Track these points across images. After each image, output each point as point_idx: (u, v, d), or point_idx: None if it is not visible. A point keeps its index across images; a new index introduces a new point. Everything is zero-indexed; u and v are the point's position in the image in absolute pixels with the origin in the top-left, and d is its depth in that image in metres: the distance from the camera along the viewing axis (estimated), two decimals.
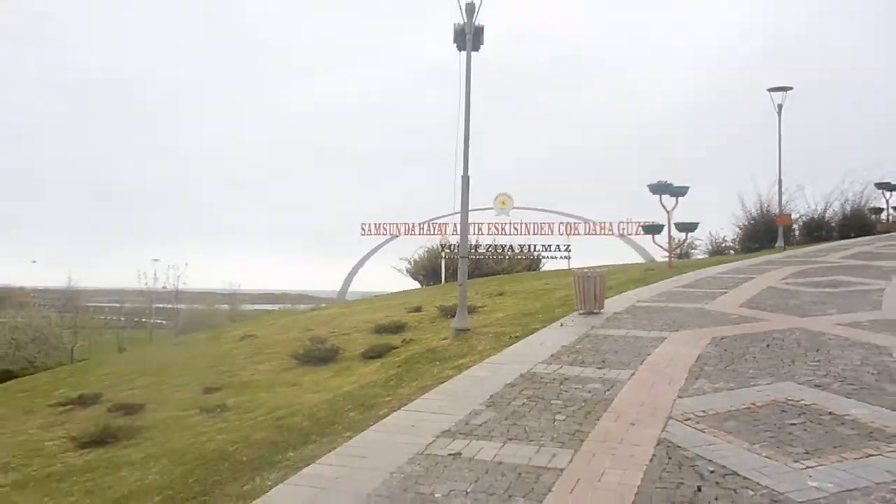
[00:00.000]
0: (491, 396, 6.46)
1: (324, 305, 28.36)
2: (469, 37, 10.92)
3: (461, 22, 10.98)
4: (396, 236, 37.46)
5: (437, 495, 4.13)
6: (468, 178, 11.45)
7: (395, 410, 6.32)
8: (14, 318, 35.22)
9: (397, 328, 12.95)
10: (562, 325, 10.88)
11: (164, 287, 53.41)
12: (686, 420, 5.47)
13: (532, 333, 10.24)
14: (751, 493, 4.01)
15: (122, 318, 66.04)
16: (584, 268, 13.15)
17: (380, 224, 36.89)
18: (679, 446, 4.86)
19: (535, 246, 33.89)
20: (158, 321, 62.26)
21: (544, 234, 34.34)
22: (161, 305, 62.21)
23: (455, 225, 33.73)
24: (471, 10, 10.87)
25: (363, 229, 36.73)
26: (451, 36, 11.16)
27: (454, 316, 11.58)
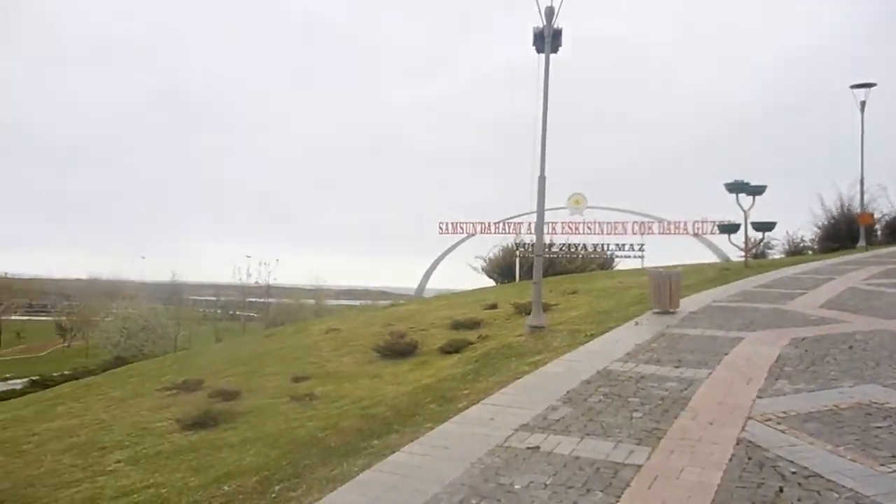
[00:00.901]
0: (567, 392, 6.57)
1: (402, 302, 28.97)
2: (548, 40, 11.03)
3: (540, 25, 11.10)
4: (472, 235, 37.78)
5: (516, 487, 4.31)
6: (545, 178, 11.56)
7: (473, 404, 6.54)
8: (125, 310, 37.94)
9: (473, 324, 13.18)
10: (636, 323, 10.82)
11: (256, 282, 55.82)
12: (766, 420, 5.42)
13: (607, 332, 10.25)
14: (835, 495, 3.98)
15: (219, 311, 69.63)
16: (658, 267, 13.00)
17: (456, 223, 37.32)
18: (759, 446, 4.84)
19: (608, 245, 33.49)
20: (250, 314, 65.30)
21: (617, 233, 33.87)
22: (253, 299, 65.04)
23: (529, 224, 33.79)
24: (550, 13, 11.00)
25: (441, 228, 37.25)
26: (530, 39, 11.29)
27: (529, 313, 11.70)
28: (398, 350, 11.20)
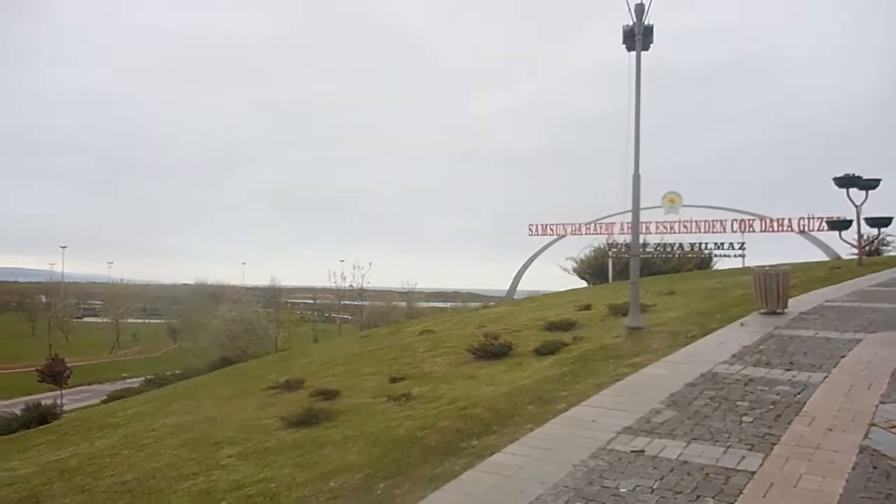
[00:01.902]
0: (671, 395, 6.38)
1: (492, 304, 29.01)
2: (639, 37, 10.80)
3: (630, 23, 10.87)
4: (563, 236, 37.38)
5: (622, 490, 4.22)
6: (639, 176, 11.35)
7: (573, 406, 6.46)
8: (229, 312, 40.07)
9: (568, 326, 13.02)
10: (742, 324, 10.39)
11: (351, 285, 57.50)
12: (892, 428, 5.07)
13: (709, 333, 9.88)
14: None
15: (315, 313, 72.21)
16: (763, 266, 12.40)
17: (547, 224, 37.07)
18: (885, 455, 4.54)
19: (706, 244, 32.24)
20: (345, 316, 67.27)
21: (716, 231, 32.60)
22: (347, 302, 67.03)
23: (622, 224, 33.11)
24: (640, 10, 10.77)
25: (531, 230, 37.09)
26: (619, 37, 11.08)
27: (625, 314, 11.44)
28: (492, 351, 11.20)
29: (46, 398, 24.07)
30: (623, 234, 32.95)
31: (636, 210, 11.83)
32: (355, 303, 63.67)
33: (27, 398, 24.54)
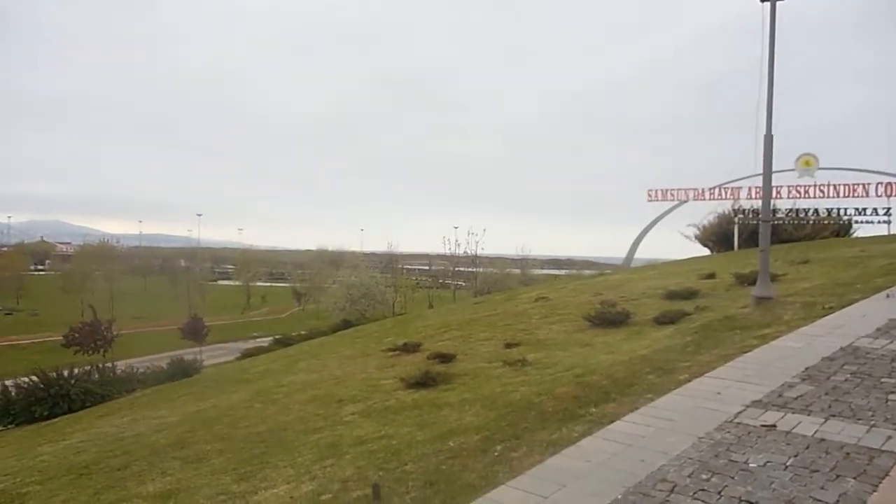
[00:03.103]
0: (806, 369, 6.00)
1: (608, 272, 28.35)
2: None
3: None
4: (684, 202, 35.65)
5: (751, 465, 4.03)
6: (771, 137, 10.61)
7: (696, 377, 6.22)
8: (349, 277, 41.88)
9: (689, 294, 12.52)
10: (888, 296, 9.58)
11: (465, 252, 58.12)
12: None
13: (850, 305, 9.19)
14: None
15: (429, 279, 73.97)
16: None
17: (667, 190, 35.49)
18: None
19: (845, 210, 29.72)
20: (459, 283, 68.36)
21: (857, 196, 29.94)
22: (461, 268, 68.02)
23: (749, 188, 31.07)
24: None
25: (649, 196, 35.65)
26: None
27: (752, 284, 10.85)
28: (609, 319, 10.98)
29: (188, 354, 26.21)
30: (750, 199, 31.00)
31: (768, 173, 11.09)
32: (469, 269, 64.37)
33: (171, 353, 26.84)
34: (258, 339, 43.88)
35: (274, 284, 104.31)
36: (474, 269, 61.65)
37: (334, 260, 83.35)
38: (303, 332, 26.14)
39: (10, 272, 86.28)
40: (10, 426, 15.00)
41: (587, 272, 38.65)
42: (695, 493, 3.71)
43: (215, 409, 10.01)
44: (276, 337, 26.41)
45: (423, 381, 8.49)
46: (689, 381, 6.08)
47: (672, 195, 35.42)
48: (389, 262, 66.53)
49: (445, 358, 9.98)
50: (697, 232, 33.45)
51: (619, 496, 3.75)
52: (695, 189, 34.56)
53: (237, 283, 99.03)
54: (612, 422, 5.12)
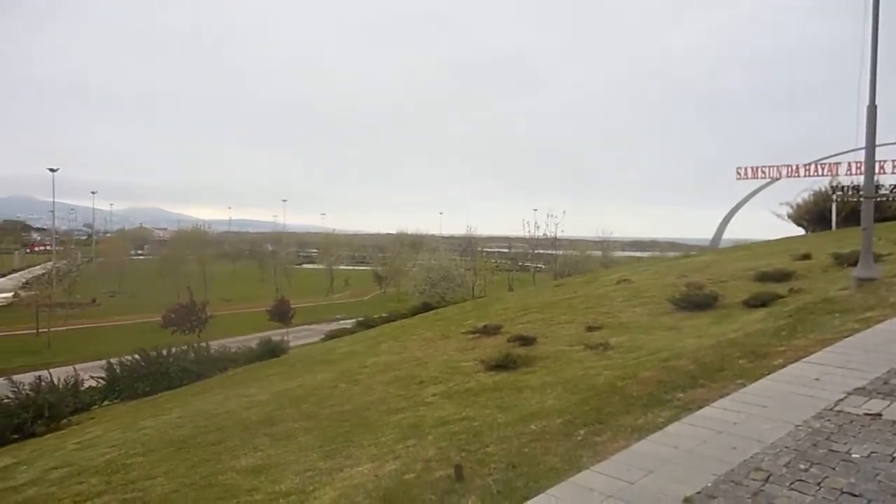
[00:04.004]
0: None
1: (694, 253, 27.37)
2: None
3: None
4: (777, 179, 33.90)
5: (854, 455, 3.81)
6: (875, 107, 9.93)
7: (791, 362, 5.93)
8: (429, 260, 42.38)
9: (782, 276, 11.91)
10: None
11: (544, 234, 57.66)
12: None
13: None
14: None
15: (509, 262, 73.95)
16: None
17: (757, 167, 33.85)
18: None
19: None
20: (538, 265, 67.92)
21: None
22: (540, 251, 67.58)
23: (849, 164, 29.17)
24: None
25: (738, 174, 34.10)
26: None
27: (852, 264, 10.22)
28: (695, 302, 10.60)
29: (275, 335, 27.25)
30: (850, 174, 29.13)
31: (871, 146, 10.39)
32: (549, 252, 63.74)
33: (260, 334, 27.96)
34: (341, 321, 45.11)
35: (356, 268, 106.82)
36: (554, 252, 60.99)
37: (414, 243, 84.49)
38: (384, 315, 26.60)
39: (112, 257, 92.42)
40: (115, 401, 16.06)
41: (671, 254, 37.45)
42: (791, 484, 3.53)
43: (302, 389, 10.35)
44: (359, 319, 27.02)
45: (504, 364, 8.47)
46: (784, 366, 5.80)
47: (763, 172, 33.76)
48: (468, 246, 66.84)
49: (526, 341, 9.92)
50: (791, 211, 31.75)
51: (710, 484, 3.62)
52: (788, 166, 32.80)
53: (321, 266, 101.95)
54: (701, 407, 4.95)
